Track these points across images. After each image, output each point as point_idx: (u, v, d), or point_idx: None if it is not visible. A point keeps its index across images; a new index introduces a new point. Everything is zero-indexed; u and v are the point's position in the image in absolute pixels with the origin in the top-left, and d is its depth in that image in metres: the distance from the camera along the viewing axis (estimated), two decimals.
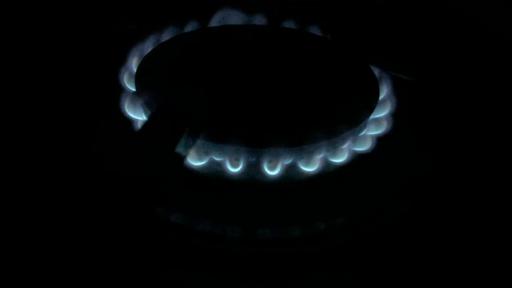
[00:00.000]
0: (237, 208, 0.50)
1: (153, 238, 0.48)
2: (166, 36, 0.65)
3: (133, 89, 0.56)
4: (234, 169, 0.50)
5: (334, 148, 0.51)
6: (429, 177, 0.55)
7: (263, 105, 0.53)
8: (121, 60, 0.61)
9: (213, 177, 0.51)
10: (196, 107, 0.52)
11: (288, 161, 0.50)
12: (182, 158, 0.49)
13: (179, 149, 0.48)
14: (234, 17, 0.69)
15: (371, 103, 0.54)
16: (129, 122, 0.55)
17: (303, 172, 0.51)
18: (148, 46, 0.63)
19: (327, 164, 0.51)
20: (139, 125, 0.54)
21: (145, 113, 0.54)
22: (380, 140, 0.54)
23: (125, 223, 0.49)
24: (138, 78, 0.56)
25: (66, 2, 0.77)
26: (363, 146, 0.53)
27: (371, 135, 0.54)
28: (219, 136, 0.49)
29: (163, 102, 0.52)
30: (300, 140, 0.49)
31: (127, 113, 0.55)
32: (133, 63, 0.61)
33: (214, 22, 0.68)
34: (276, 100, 0.54)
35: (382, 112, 0.56)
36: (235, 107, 0.53)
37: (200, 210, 0.49)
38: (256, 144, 0.49)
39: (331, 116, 0.53)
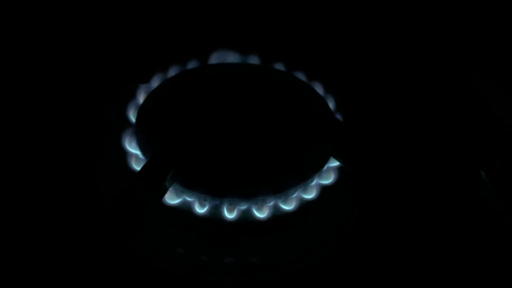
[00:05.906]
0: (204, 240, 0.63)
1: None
2: (170, 73, 0.77)
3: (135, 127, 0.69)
4: (201, 209, 0.63)
5: (285, 197, 0.63)
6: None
7: (233, 153, 0.65)
8: (129, 95, 0.74)
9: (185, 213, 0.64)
10: (179, 155, 0.64)
11: (243, 207, 0.63)
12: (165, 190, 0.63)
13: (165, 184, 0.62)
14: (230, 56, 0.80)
15: (321, 160, 0.65)
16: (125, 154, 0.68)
17: (256, 216, 0.63)
18: (154, 83, 0.76)
19: (277, 209, 0.64)
20: (134, 161, 0.67)
21: (143, 154, 0.66)
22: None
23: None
24: (139, 119, 0.69)
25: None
26: (310, 195, 0.65)
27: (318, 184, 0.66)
28: (189, 183, 0.62)
29: (156, 149, 0.65)
30: (254, 193, 0.62)
31: (127, 147, 0.68)
32: (140, 99, 0.74)
33: (213, 60, 0.80)
34: (246, 149, 0.65)
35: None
36: (209, 156, 0.65)
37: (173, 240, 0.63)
38: (218, 194, 0.61)
39: (284, 171, 0.64)
